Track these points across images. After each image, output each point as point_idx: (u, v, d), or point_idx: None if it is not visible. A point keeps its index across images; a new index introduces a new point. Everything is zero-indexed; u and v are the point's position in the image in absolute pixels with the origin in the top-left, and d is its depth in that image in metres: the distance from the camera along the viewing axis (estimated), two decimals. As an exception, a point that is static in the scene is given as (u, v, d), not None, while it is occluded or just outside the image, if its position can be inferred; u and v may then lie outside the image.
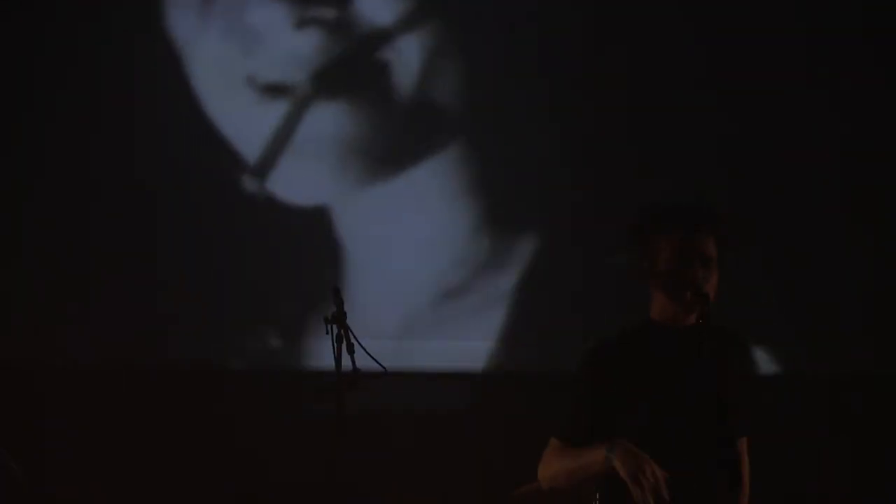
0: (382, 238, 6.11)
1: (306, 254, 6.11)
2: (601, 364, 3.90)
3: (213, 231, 6.09)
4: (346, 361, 4.28)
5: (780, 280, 6.08)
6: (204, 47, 6.10)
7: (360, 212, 6.12)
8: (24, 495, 4.64)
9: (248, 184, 6.12)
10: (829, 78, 6.10)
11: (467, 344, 6.10)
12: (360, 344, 4.28)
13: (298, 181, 6.12)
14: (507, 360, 6.14)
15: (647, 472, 3.67)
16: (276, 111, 6.10)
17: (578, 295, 6.03)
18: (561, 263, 6.13)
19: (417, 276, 6.10)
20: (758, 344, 5.99)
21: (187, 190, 6.09)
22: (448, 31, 6.15)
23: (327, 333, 4.29)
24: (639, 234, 3.93)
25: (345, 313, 4.30)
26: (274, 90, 6.10)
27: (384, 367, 4.30)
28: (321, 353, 5.43)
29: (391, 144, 6.13)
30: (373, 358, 4.27)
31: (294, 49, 6.11)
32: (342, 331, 4.29)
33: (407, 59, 6.12)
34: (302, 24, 6.08)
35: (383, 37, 6.11)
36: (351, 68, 6.11)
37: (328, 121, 6.11)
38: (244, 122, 6.10)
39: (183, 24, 6.12)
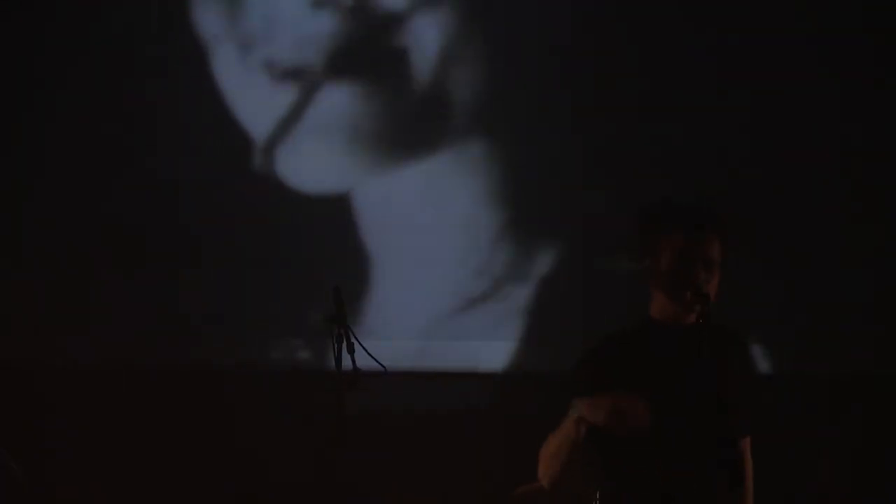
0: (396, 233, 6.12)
1: (306, 253, 6.11)
2: (601, 363, 3.90)
3: (214, 231, 6.09)
4: (346, 361, 4.28)
5: (780, 280, 6.08)
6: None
7: (372, 206, 6.13)
8: (24, 495, 4.64)
9: (252, 182, 6.12)
10: (829, 78, 6.11)
11: (468, 344, 6.10)
12: (360, 344, 4.28)
13: (311, 174, 6.13)
14: (508, 360, 6.14)
15: (618, 402, 3.67)
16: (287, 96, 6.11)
17: (579, 295, 6.04)
18: (570, 264, 6.14)
19: (430, 279, 6.11)
20: (758, 344, 5.99)
21: (187, 189, 6.09)
22: (466, 18, 6.15)
23: (330, 333, 4.28)
24: (642, 232, 3.93)
25: (345, 313, 4.30)
26: (291, 75, 6.10)
27: (384, 367, 4.29)
28: (322, 353, 5.46)
29: (410, 132, 6.13)
30: (373, 358, 4.27)
31: (313, 33, 6.11)
32: (342, 331, 4.28)
33: (424, 45, 6.13)
34: (318, 5, 6.08)
35: (400, 22, 6.11)
36: (371, 55, 6.11)
37: (345, 106, 6.11)
38: (253, 116, 6.12)
39: (202, 21, 6.13)
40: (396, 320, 6.07)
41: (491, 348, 6.13)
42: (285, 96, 6.10)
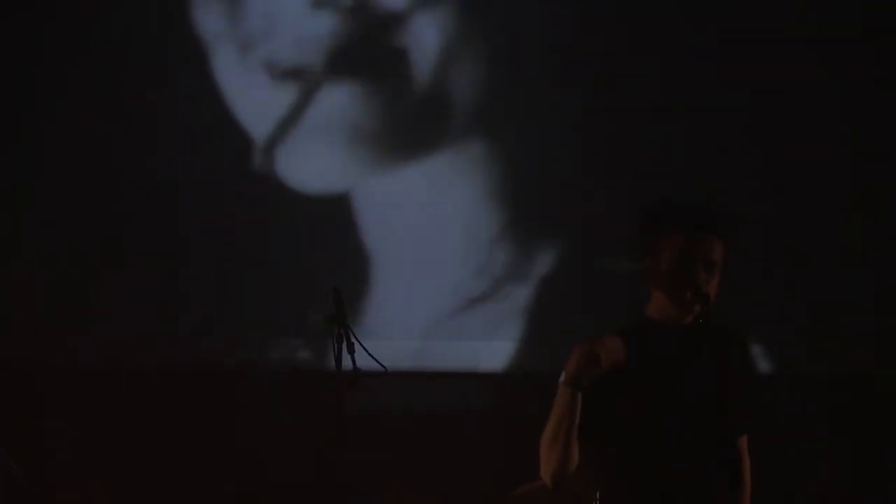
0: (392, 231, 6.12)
1: (306, 254, 6.11)
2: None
3: (214, 231, 6.09)
4: (346, 361, 4.27)
5: (780, 280, 6.08)
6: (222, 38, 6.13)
7: (372, 206, 6.13)
8: (24, 495, 4.64)
9: (252, 182, 6.12)
10: (829, 78, 6.11)
11: (468, 344, 6.10)
12: (360, 344, 4.28)
13: (311, 174, 6.13)
14: (508, 360, 6.14)
15: (593, 345, 3.69)
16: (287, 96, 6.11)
17: (579, 295, 6.04)
18: (570, 264, 6.14)
19: (430, 279, 6.11)
20: (758, 344, 5.99)
21: (187, 189, 6.09)
22: (466, 18, 6.15)
23: (330, 333, 4.28)
24: (642, 232, 3.92)
25: (345, 313, 4.30)
26: (291, 75, 6.10)
27: (384, 367, 4.29)
28: (322, 353, 5.45)
29: (410, 132, 6.13)
30: (373, 357, 4.26)
31: (312, 33, 6.11)
32: (342, 331, 4.28)
33: (424, 45, 6.13)
34: (318, 5, 6.08)
35: (400, 22, 6.11)
36: (371, 55, 6.11)
37: (345, 106, 6.11)
38: (254, 116, 6.12)
39: (202, 21, 6.13)
40: (396, 320, 6.07)
41: (491, 348, 6.13)
42: (285, 96, 6.10)
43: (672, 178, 6.00)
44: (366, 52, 6.13)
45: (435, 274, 6.11)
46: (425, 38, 6.12)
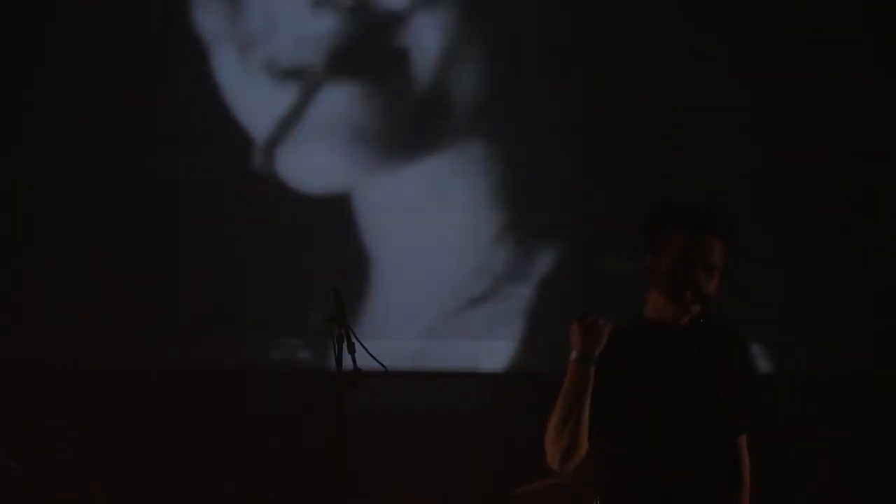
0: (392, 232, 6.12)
1: (306, 254, 6.11)
2: (600, 361, 3.89)
3: (214, 231, 6.09)
4: (346, 361, 4.27)
5: (780, 280, 6.08)
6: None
7: (372, 207, 6.13)
8: (24, 495, 4.64)
9: (252, 182, 6.13)
10: (829, 78, 6.11)
11: (468, 344, 6.10)
12: (360, 344, 4.28)
13: (311, 174, 6.13)
14: (508, 360, 6.14)
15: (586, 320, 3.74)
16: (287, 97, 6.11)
17: (579, 295, 6.04)
18: (570, 264, 6.14)
19: (430, 279, 6.11)
20: (758, 344, 5.99)
21: (187, 189, 6.09)
22: (466, 18, 6.15)
23: (331, 333, 4.28)
24: (643, 232, 3.93)
25: (345, 313, 4.30)
26: (291, 75, 6.10)
27: (384, 367, 4.29)
28: (322, 353, 5.45)
29: (410, 132, 6.13)
30: (373, 357, 4.26)
31: (312, 33, 6.11)
32: (342, 331, 4.28)
33: (424, 45, 6.13)
34: (318, 5, 6.08)
35: (400, 22, 6.11)
36: (371, 55, 6.11)
37: (345, 106, 6.11)
38: (254, 116, 6.12)
39: (202, 21, 6.14)
40: (396, 320, 6.07)
41: (491, 348, 6.13)
42: (285, 96, 6.10)
43: (672, 178, 6.00)
44: (366, 52, 6.13)
45: (435, 274, 6.11)
46: (425, 38, 6.12)
